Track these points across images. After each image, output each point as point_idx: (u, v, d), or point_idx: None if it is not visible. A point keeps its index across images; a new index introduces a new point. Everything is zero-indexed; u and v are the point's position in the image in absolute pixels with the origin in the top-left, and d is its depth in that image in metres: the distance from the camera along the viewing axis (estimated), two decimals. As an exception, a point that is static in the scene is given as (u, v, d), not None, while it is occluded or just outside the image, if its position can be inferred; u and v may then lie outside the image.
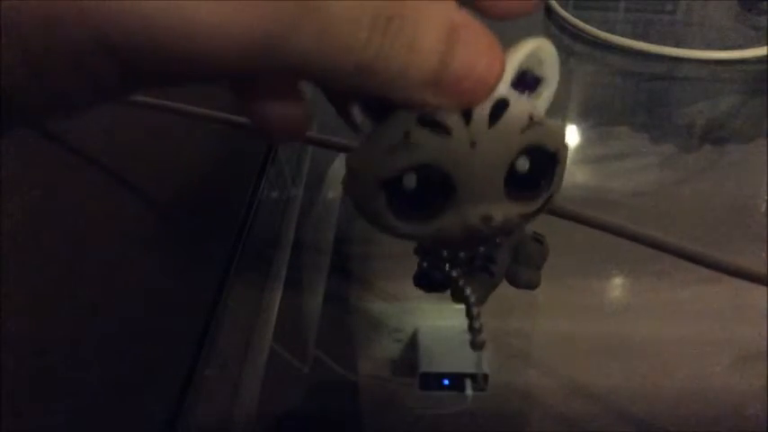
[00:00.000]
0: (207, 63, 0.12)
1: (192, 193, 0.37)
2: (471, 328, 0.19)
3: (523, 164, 0.16)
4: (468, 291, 0.20)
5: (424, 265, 0.21)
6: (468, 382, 0.29)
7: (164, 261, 0.33)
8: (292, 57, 0.13)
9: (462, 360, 0.29)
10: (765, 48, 0.53)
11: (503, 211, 0.16)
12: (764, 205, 0.40)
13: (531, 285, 0.22)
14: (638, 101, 0.52)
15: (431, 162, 0.16)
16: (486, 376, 0.29)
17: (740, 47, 0.53)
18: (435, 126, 0.15)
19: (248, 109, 0.16)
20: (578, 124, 0.50)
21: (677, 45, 0.54)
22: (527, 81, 0.17)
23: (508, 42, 0.16)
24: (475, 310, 0.19)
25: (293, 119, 0.17)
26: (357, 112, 0.16)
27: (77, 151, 0.39)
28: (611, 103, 0.52)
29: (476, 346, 0.19)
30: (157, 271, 0.32)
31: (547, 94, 0.17)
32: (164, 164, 0.38)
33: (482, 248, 0.20)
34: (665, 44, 0.54)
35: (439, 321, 0.31)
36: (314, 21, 0.12)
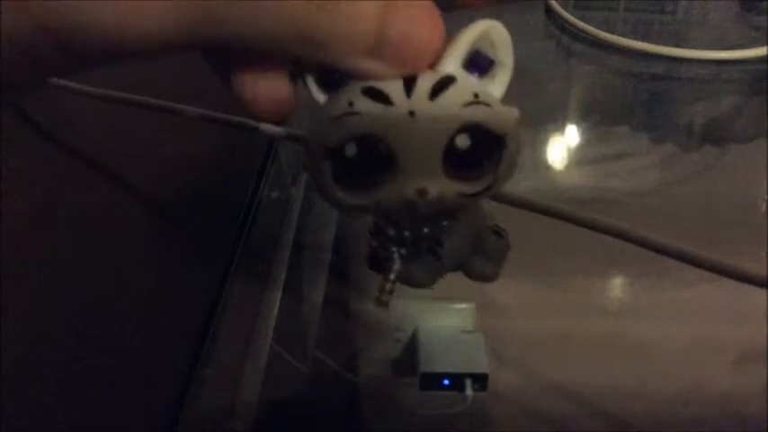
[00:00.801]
0: (138, 42, 0.13)
1: (192, 193, 0.37)
2: (377, 299, 0.20)
3: (464, 141, 0.16)
4: (395, 266, 0.20)
5: (373, 243, 0.21)
6: (469, 382, 0.29)
7: (164, 261, 0.33)
8: (227, 31, 0.13)
9: (462, 360, 0.29)
10: (765, 48, 0.53)
11: (439, 186, 0.17)
12: (764, 205, 0.40)
13: (485, 278, 0.22)
14: (638, 101, 0.52)
15: (371, 131, 0.16)
16: (486, 376, 0.29)
17: (740, 47, 0.53)
18: (377, 95, 0.16)
19: (231, 84, 0.17)
20: (578, 124, 0.50)
21: (677, 45, 0.54)
22: (479, 63, 0.17)
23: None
24: (388, 286, 0.20)
25: (275, 93, 0.17)
26: (311, 84, 0.17)
27: (77, 152, 0.39)
28: (611, 103, 0.52)
29: (378, 302, 0.20)
30: (157, 271, 0.32)
31: (501, 77, 0.17)
32: (164, 164, 0.38)
33: (426, 229, 0.20)
34: (665, 44, 0.54)
35: (439, 321, 0.31)
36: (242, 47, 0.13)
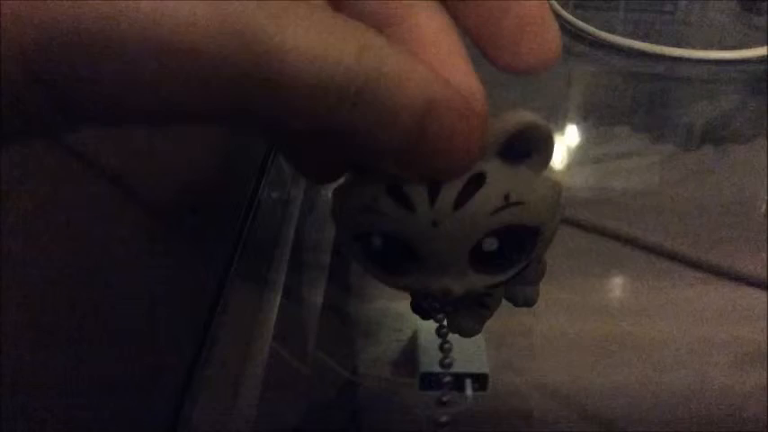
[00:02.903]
0: (140, 108, 0.11)
1: (192, 192, 0.37)
2: (442, 364, 0.19)
3: (491, 244, 0.15)
4: (445, 331, 0.20)
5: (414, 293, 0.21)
6: (469, 382, 0.29)
7: (164, 261, 0.33)
8: (245, 108, 0.12)
9: (462, 360, 0.29)
10: (765, 48, 0.53)
11: (465, 284, 0.16)
12: (764, 205, 0.40)
13: (529, 303, 0.22)
14: (638, 101, 0.52)
15: (393, 232, 0.15)
16: (486, 376, 0.29)
17: (740, 47, 0.53)
18: (400, 199, 0.15)
19: (284, 153, 0.17)
20: (578, 124, 0.50)
21: (677, 45, 0.54)
22: (516, 151, 0.15)
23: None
24: (447, 360, 0.19)
25: (331, 172, 0.17)
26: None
27: (77, 152, 0.39)
28: (611, 103, 0.52)
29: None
30: (157, 271, 0.32)
31: (540, 163, 0.16)
32: (164, 164, 0.38)
33: None
34: (665, 44, 0.54)
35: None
36: (273, 73, 0.11)
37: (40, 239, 0.31)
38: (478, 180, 0.15)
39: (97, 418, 0.26)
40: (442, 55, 0.14)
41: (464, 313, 0.21)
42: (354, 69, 0.12)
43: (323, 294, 0.35)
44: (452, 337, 0.28)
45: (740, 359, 0.31)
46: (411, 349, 0.31)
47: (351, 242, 0.17)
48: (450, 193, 0.15)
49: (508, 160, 0.15)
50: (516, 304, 0.22)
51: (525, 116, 0.15)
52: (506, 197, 0.15)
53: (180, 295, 0.31)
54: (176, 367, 0.29)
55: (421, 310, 0.21)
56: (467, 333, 0.21)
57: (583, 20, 0.57)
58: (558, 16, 0.58)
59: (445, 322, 0.19)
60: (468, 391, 0.29)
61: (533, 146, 0.16)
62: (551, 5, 0.59)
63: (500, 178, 0.15)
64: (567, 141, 0.47)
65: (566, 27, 0.58)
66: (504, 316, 0.32)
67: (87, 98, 0.11)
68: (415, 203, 0.15)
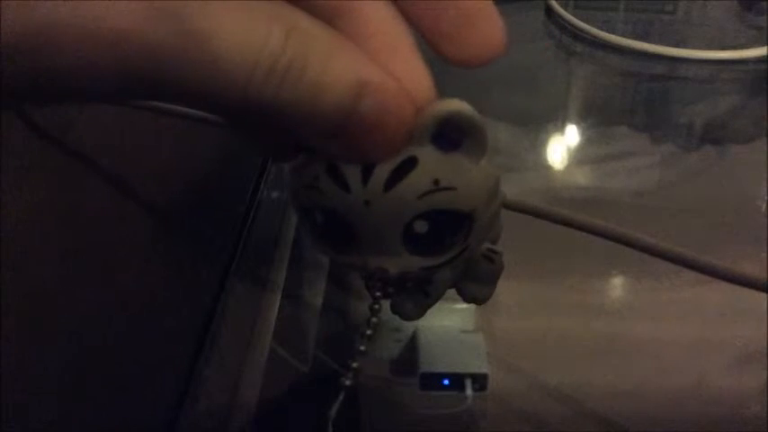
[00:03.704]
0: (82, 86, 0.12)
1: (192, 193, 0.37)
2: (356, 350, 0.19)
3: (421, 226, 0.16)
4: (374, 319, 0.20)
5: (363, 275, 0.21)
6: (469, 382, 0.29)
7: (164, 261, 0.33)
8: (176, 87, 0.12)
9: (462, 360, 0.29)
10: (765, 48, 0.53)
11: (400, 264, 0.17)
12: (764, 205, 0.40)
13: (477, 301, 0.22)
14: (638, 101, 0.52)
15: (332, 209, 0.16)
16: (486, 376, 0.29)
17: (740, 47, 0.53)
18: (337, 178, 0.15)
19: (253, 139, 0.17)
20: (578, 124, 0.50)
21: (677, 45, 0.54)
22: (448, 138, 0.16)
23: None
24: (369, 332, 0.20)
25: (282, 143, 0.17)
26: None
27: (77, 152, 0.39)
28: (611, 103, 0.52)
29: (350, 374, 0.20)
30: (157, 271, 0.32)
31: (475, 148, 0.16)
32: (164, 164, 0.38)
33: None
34: (665, 44, 0.54)
35: (439, 321, 0.31)
36: (201, 55, 0.12)
37: (40, 240, 0.31)
38: (410, 164, 0.15)
39: (97, 417, 0.26)
40: (387, 45, 0.15)
41: (405, 297, 0.21)
42: (280, 50, 0.12)
43: (323, 294, 0.35)
44: (452, 337, 0.28)
45: (740, 359, 0.31)
46: (411, 349, 0.31)
47: (300, 218, 0.17)
48: (381, 174, 0.15)
49: (442, 148, 0.16)
50: (464, 299, 0.22)
51: (453, 104, 0.15)
52: (436, 182, 0.16)
53: (180, 295, 0.31)
54: (176, 367, 0.29)
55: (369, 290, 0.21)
56: (407, 317, 0.21)
57: (583, 20, 0.57)
58: (558, 16, 0.58)
59: (374, 319, 0.20)
60: (468, 391, 0.29)
61: (465, 134, 0.16)
62: (552, 5, 0.59)
63: (431, 163, 0.16)
64: (566, 141, 0.47)
65: (566, 27, 0.58)
66: (504, 316, 0.33)
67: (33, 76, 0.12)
68: (350, 183, 0.15)
